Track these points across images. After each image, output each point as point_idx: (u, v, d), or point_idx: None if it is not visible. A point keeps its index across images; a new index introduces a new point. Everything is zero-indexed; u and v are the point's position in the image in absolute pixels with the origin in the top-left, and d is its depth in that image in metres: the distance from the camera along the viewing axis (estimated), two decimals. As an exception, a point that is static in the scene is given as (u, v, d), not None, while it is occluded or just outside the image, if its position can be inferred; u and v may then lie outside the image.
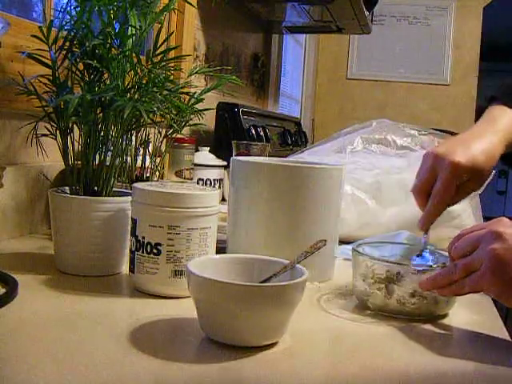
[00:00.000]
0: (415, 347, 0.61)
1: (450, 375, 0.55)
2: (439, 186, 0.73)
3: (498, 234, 0.60)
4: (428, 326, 0.67)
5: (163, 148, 0.99)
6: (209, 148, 1.45)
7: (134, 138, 0.92)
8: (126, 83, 0.80)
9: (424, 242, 0.77)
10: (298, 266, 0.63)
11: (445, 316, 0.71)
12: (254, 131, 1.72)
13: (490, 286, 0.60)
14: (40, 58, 0.78)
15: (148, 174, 0.98)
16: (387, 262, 0.71)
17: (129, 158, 0.93)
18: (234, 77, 0.94)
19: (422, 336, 0.64)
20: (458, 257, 0.64)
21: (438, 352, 0.60)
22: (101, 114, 0.78)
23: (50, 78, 0.77)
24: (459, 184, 0.74)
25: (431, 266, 0.71)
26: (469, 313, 0.73)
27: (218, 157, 1.45)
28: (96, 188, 0.79)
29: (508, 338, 0.65)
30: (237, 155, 1.28)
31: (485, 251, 0.60)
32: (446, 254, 0.77)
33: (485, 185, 0.80)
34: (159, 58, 0.83)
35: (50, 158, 0.94)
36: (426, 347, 0.61)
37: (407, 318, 0.68)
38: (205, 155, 1.42)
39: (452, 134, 1.74)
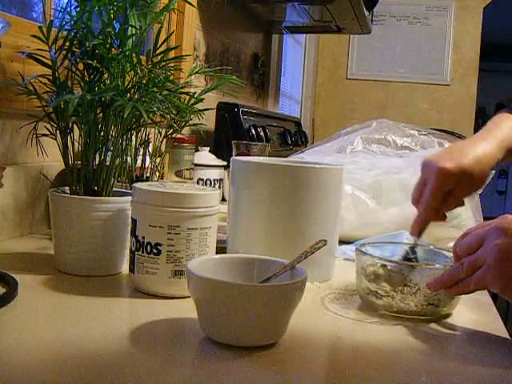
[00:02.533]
0: (417, 347, 0.61)
1: (451, 375, 0.55)
2: (426, 193, 0.74)
3: (503, 230, 0.60)
4: (432, 326, 0.67)
5: (163, 148, 0.99)
6: (209, 148, 1.45)
7: (133, 137, 0.92)
8: (126, 83, 0.80)
9: (419, 244, 0.78)
10: (297, 266, 0.63)
11: (448, 316, 0.71)
12: (253, 131, 1.72)
13: (494, 280, 0.60)
14: (40, 57, 0.78)
15: (148, 174, 0.98)
16: (391, 261, 0.71)
17: (129, 158, 0.93)
18: (233, 77, 0.94)
19: (424, 336, 0.64)
20: (464, 254, 0.65)
21: (440, 352, 0.60)
22: (101, 114, 0.78)
23: (50, 77, 0.77)
24: (450, 190, 0.74)
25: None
26: (469, 313, 0.73)
27: (218, 157, 1.45)
28: (96, 188, 0.79)
29: (508, 337, 0.65)
30: (237, 155, 1.28)
31: (489, 247, 0.61)
32: (445, 252, 0.77)
33: (482, 187, 0.80)
34: (159, 58, 0.83)
35: (50, 158, 0.94)
36: (428, 347, 0.61)
37: (411, 317, 0.68)
38: (205, 155, 1.42)
39: (452, 133, 1.75)
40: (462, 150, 0.76)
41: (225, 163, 1.43)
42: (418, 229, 0.76)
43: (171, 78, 0.85)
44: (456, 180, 0.74)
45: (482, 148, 0.77)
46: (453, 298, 0.70)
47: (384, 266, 0.70)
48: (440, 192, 0.73)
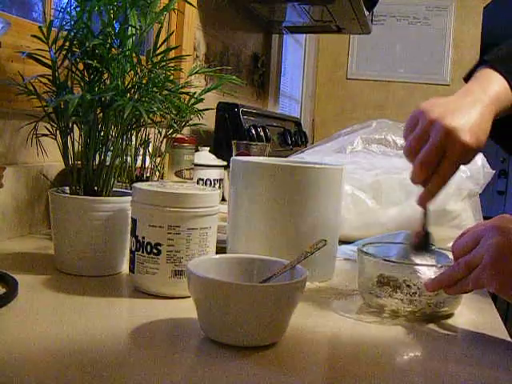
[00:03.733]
0: (418, 347, 0.61)
1: (451, 375, 0.55)
2: (448, 165, 0.69)
3: (498, 229, 0.60)
4: (432, 326, 0.67)
5: (163, 148, 0.99)
6: (209, 148, 1.45)
7: (133, 137, 0.92)
8: (126, 83, 0.80)
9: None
10: (298, 266, 0.63)
11: (449, 316, 0.71)
12: (254, 131, 1.72)
13: (491, 279, 0.60)
14: (40, 57, 0.78)
15: (148, 174, 0.98)
16: (393, 261, 0.71)
17: (129, 158, 0.93)
18: (233, 77, 0.94)
19: (425, 336, 0.64)
20: (461, 253, 0.64)
21: (440, 352, 0.60)
22: (101, 114, 0.78)
23: (50, 78, 0.77)
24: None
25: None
26: (469, 313, 0.73)
27: (218, 157, 1.45)
28: (96, 188, 0.79)
29: (508, 338, 0.65)
30: (237, 155, 1.28)
31: (485, 246, 0.61)
32: (445, 252, 0.77)
33: (483, 186, 0.78)
34: (159, 58, 0.83)
35: (50, 158, 0.94)
36: (428, 347, 0.61)
37: (412, 317, 0.68)
38: (205, 155, 1.42)
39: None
40: (472, 119, 0.70)
41: (225, 163, 1.43)
42: (429, 200, 0.72)
43: (171, 78, 0.85)
44: (473, 155, 0.70)
45: (484, 116, 0.72)
46: (455, 298, 0.70)
47: (385, 266, 0.70)
48: (459, 166, 0.70)
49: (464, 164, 0.72)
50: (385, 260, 0.71)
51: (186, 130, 1.40)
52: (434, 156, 0.69)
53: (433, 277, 0.67)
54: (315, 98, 3.92)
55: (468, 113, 0.71)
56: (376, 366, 0.55)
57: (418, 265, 0.72)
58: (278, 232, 0.81)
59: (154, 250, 0.69)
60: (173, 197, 0.69)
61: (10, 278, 0.68)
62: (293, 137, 2.21)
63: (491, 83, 0.77)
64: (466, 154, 0.69)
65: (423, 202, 0.72)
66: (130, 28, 0.78)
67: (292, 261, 0.64)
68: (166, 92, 0.83)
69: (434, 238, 0.76)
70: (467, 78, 0.82)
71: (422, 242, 0.74)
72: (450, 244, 0.96)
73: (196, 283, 0.57)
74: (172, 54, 1.21)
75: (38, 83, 0.78)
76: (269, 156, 1.28)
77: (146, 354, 0.53)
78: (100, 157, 0.79)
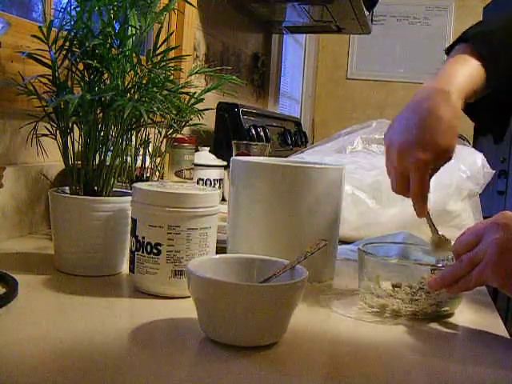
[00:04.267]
0: (418, 347, 0.61)
1: (451, 375, 0.55)
2: (414, 185, 0.72)
3: (501, 225, 0.61)
4: (432, 326, 0.67)
5: (163, 148, 0.99)
6: (209, 148, 1.45)
7: (133, 138, 0.92)
8: (126, 83, 0.80)
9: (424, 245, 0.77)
10: (297, 266, 0.63)
11: (450, 315, 0.71)
12: (254, 131, 1.72)
13: (493, 275, 0.60)
14: (40, 57, 0.78)
15: (148, 174, 0.98)
16: (393, 261, 0.71)
17: (129, 158, 0.93)
18: (234, 77, 0.94)
19: (425, 336, 0.64)
20: (463, 251, 0.65)
21: (440, 352, 0.60)
22: (101, 114, 0.78)
23: (50, 77, 0.77)
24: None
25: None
26: (469, 313, 0.73)
27: (218, 157, 1.45)
28: (96, 188, 0.79)
29: (508, 337, 0.65)
30: (237, 155, 1.28)
31: (487, 242, 0.61)
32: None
33: (483, 186, 0.79)
34: (159, 58, 0.83)
35: (50, 158, 0.94)
36: (428, 347, 0.61)
37: (413, 317, 0.68)
38: (205, 155, 1.42)
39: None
40: (429, 126, 0.72)
41: (225, 163, 1.43)
42: (424, 210, 0.74)
43: (171, 78, 0.85)
44: (436, 161, 0.72)
45: (448, 114, 0.73)
46: (455, 298, 0.70)
47: (386, 265, 0.70)
48: (426, 178, 0.72)
49: (445, 162, 0.74)
50: (385, 260, 0.71)
51: (186, 130, 1.40)
52: (399, 179, 0.74)
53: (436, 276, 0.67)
54: (315, 97, 3.92)
55: (429, 123, 0.73)
56: (376, 366, 0.55)
57: (418, 265, 0.72)
58: (278, 232, 0.81)
59: (154, 250, 0.69)
60: (173, 197, 0.69)
61: (10, 278, 0.68)
62: (293, 137, 2.21)
63: (456, 75, 0.79)
64: (426, 168, 0.71)
65: (420, 213, 0.75)
66: (130, 28, 0.78)
67: (292, 261, 0.64)
68: (165, 92, 0.83)
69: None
70: (447, 52, 0.84)
71: (443, 245, 0.75)
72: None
73: (196, 283, 0.57)
74: (172, 53, 1.21)
75: (38, 83, 0.78)
76: (269, 156, 1.28)
77: (146, 354, 0.53)
78: (100, 157, 0.79)
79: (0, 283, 0.68)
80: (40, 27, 0.76)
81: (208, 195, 0.71)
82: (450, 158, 0.74)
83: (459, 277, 0.64)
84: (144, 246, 0.69)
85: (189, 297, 0.60)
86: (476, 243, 0.63)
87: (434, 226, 0.75)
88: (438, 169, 0.76)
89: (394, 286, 0.69)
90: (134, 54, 0.79)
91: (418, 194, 0.72)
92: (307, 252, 0.68)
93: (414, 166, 0.71)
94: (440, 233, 0.75)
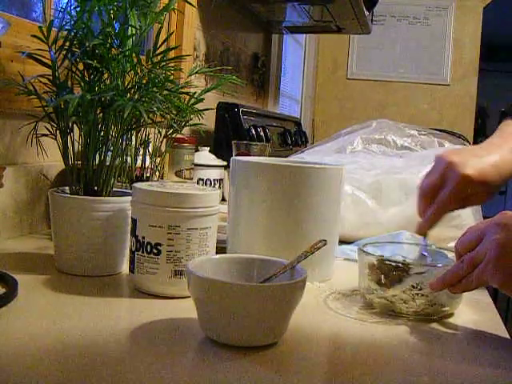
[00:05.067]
0: (418, 347, 0.61)
1: (452, 375, 0.55)
2: (445, 195, 0.73)
3: (502, 225, 0.61)
4: (432, 326, 0.67)
5: (163, 148, 0.99)
6: (209, 148, 1.45)
7: (134, 137, 0.92)
8: (126, 83, 0.80)
9: (424, 244, 0.77)
10: (297, 266, 0.63)
11: (450, 315, 0.71)
12: (254, 131, 1.72)
13: (494, 275, 0.60)
14: (40, 57, 0.78)
15: (148, 174, 0.98)
16: (395, 261, 0.71)
17: (129, 158, 0.93)
18: (234, 77, 0.94)
19: (425, 336, 0.64)
20: (464, 251, 0.65)
21: (440, 352, 0.60)
22: (101, 114, 0.78)
23: (50, 77, 0.77)
24: (465, 196, 0.74)
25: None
26: (469, 313, 0.73)
27: (218, 157, 1.45)
28: (96, 188, 0.79)
29: (508, 337, 0.65)
30: (237, 155, 1.28)
31: (488, 242, 0.61)
32: (446, 252, 0.77)
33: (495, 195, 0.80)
34: (159, 58, 0.83)
35: (50, 158, 0.94)
36: (429, 347, 0.61)
37: (413, 317, 0.68)
38: (205, 155, 1.42)
39: (452, 134, 1.75)
40: (480, 156, 0.75)
41: (225, 163, 1.43)
42: (427, 228, 0.76)
43: (171, 78, 0.85)
44: (476, 188, 0.73)
45: (499, 156, 0.76)
46: (455, 298, 0.70)
47: (386, 265, 0.70)
48: (458, 197, 0.73)
49: (475, 203, 0.76)
50: (385, 260, 0.71)
51: (186, 130, 1.40)
52: (432, 185, 0.74)
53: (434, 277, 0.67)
54: (315, 97, 3.92)
55: (480, 155, 0.76)
56: (377, 366, 0.55)
57: (418, 264, 0.72)
58: (278, 232, 0.81)
59: (154, 250, 0.69)
60: (173, 197, 0.69)
61: (10, 278, 0.68)
62: (293, 137, 2.21)
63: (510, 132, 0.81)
64: (466, 187, 0.73)
65: (421, 231, 0.76)
66: (130, 28, 0.78)
67: (292, 261, 0.64)
68: (166, 92, 0.83)
69: (434, 239, 0.76)
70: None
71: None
72: (450, 244, 0.96)
73: (196, 283, 0.57)
74: (172, 54, 1.21)
75: (38, 83, 0.78)
76: (269, 156, 1.28)
77: (146, 354, 0.53)
78: (100, 157, 0.79)
79: (0, 283, 0.68)
80: (40, 27, 0.76)
81: (208, 195, 0.71)
82: (490, 195, 0.76)
83: (460, 277, 0.64)
84: (144, 246, 0.69)
85: (189, 297, 0.60)
86: (477, 243, 0.63)
87: (425, 246, 0.77)
88: (475, 204, 0.78)
89: (394, 286, 0.69)
90: (133, 54, 0.79)
91: (442, 206, 0.73)
92: (307, 252, 0.68)
93: (455, 178, 0.72)
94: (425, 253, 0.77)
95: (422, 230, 0.76)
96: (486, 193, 0.75)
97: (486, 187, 0.74)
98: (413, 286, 0.68)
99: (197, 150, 1.36)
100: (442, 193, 0.73)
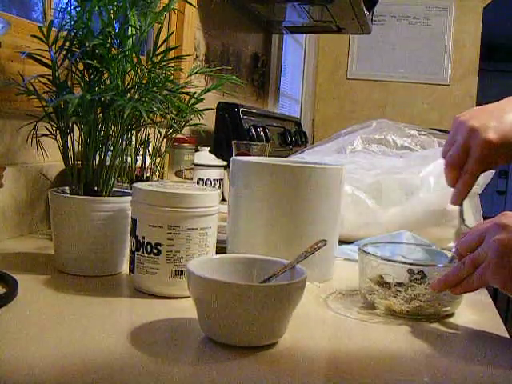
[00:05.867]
0: (419, 347, 0.61)
1: (452, 375, 0.55)
2: (472, 164, 0.72)
3: (502, 226, 0.61)
4: (433, 326, 0.67)
5: (163, 148, 0.99)
6: (209, 148, 1.45)
7: (133, 138, 0.92)
8: (126, 83, 0.80)
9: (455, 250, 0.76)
10: (297, 266, 0.63)
11: (450, 315, 0.71)
12: (254, 131, 1.72)
13: (495, 276, 0.60)
14: (40, 57, 0.78)
15: (148, 174, 0.98)
16: (395, 261, 0.71)
17: (129, 158, 0.93)
18: (233, 77, 0.94)
19: (426, 336, 0.64)
20: (465, 252, 0.65)
21: (441, 352, 0.60)
22: (101, 114, 0.78)
23: (50, 77, 0.77)
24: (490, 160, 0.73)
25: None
26: (469, 313, 0.73)
27: (218, 157, 1.45)
28: (96, 188, 0.79)
29: (508, 337, 0.65)
30: (237, 155, 1.28)
31: (489, 243, 0.61)
32: (446, 252, 0.78)
33: (483, 186, 0.79)
34: (159, 58, 0.83)
35: (50, 158, 0.94)
36: (429, 347, 0.61)
37: (413, 317, 0.68)
38: (205, 155, 1.42)
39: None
40: (499, 116, 0.73)
41: (225, 163, 1.43)
42: (461, 198, 0.74)
43: (171, 78, 0.85)
44: (500, 151, 0.72)
45: None
46: (456, 298, 0.70)
47: (388, 266, 0.70)
48: (485, 164, 0.72)
49: (501, 163, 0.74)
50: (386, 260, 0.71)
51: (186, 130, 1.40)
52: (458, 156, 0.72)
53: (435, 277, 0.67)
54: (315, 98, 3.92)
55: (499, 115, 0.73)
56: (377, 366, 0.55)
57: (419, 265, 0.72)
58: (278, 232, 0.81)
59: (154, 250, 0.69)
60: (173, 197, 0.69)
61: (10, 278, 0.68)
62: (293, 137, 2.21)
63: None
64: (491, 152, 0.71)
65: (455, 201, 0.75)
66: (130, 28, 0.78)
67: (292, 261, 0.64)
68: (165, 92, 0.83)
69: (435, 239, 0.76)
70: None
71: None
72: (451, 244, 0.96)
73: (196, 283, 0.57)
74: (172, 54, 1.21)
75: (38, 83, 0.78)
76: (269, 156, 1.28)
77: (146, 354, 0.53)
78: (100, 157, 0.79)
79: (0, 283, 0.68)
80: (40, 27, 0.76)
81: (208, 195, 0.71)
82: (501, 160, 0.74)
83: (462, 277, 0.64)
84: (144, 246, 0.69)
85: (189, 297, 0.60)
86: (478, 244, 0.63)
87: (462, 216, 0.76)
88: (499, 165, 0.75)
89: (394, 286, 0.69)
90: (134, 54, 0.79)
91: (471, 175, 0.72)
92: (307, 252, 0.68)
93: (479, 145, 0.71)
94: (467, 223, 0.75)
95: (457, 201, 0.75)
96: (508, 154, 0.74)
97: (510, 148, 0.73)
98: (412, 286, 0.68)
99: (197, 150, 1.36)
100: (469, 162, 0.72)
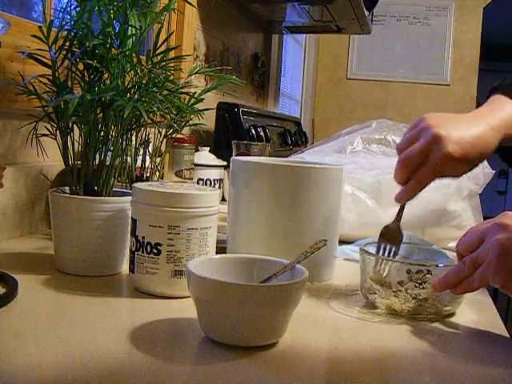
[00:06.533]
0: (419, 346, 0.61)
1: (453, 374, 0.55)
2: (426, 172, 0.71)
3: (503, 226, 0.61)
4: (433, 325, 0.67)
5: (163, 148, 0.99)
6: (209, 148, 1.45)
7: (133, 137, 0.92)
8: (126, 83, 0.80)
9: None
10: (297, 266, 0.63)
11: (451, 315, 0.71)
12: (253, 131, 1.72)
13: (496, 275, 0.60)
14: (40, 57, 0.78)
15: (148, 174, 0.98)
16: (395, 261, 0.71)
17: (129, 158, 0.93)
18: (234, 77, 0.94)
19: (426, 335, 0.64)
20: (465, 252, 0.65)
21: (442, 351, 0.60)
22: (101, 114, 0.78)
23: (50, 78, 0.77)
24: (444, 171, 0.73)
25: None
26: (469, 313, 0.73)
27: (218, 157, 1.45)
28: (96, 188, 0.79)
29: (508, 337, 0.65)
30: (237, 155, 1.28)
31: (489, 243, 0.61)
32: (446, 252, 0.78)
33: (483, 186, 0.79)
34: (159, 57, 0.83)
35: (50, 158, 0.94)
36: (430, 346, 0.61)
37: (414, 317, 0.68)
38: (205, 155, 1.42)
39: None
40: (467, 130, 0.72)
41: (225, 163, 1.43)
42: (408, 198, 0.73)
43: (171, 78, 0.85)
44: (457, 165, 0.71)
45: (483, 132, 0.73)
46: (457, 298, 0.70)
47: (388, 265, 0.70)
48: (439, 173, 0.71)
49: (451, 176, 0.73)
50: (387, 260, 0.71)
51: (186, 130, 1.40)
52: (415, 158, 0.71)
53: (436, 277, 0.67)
54: (315, 97, 3.92)
55: (467, 128, 0.73)
56: (377, 366, 0.55)
57: (419, 265, 0.72)
58: (278, 232, 0.81)
59: (154, 250, 0.69)
60: (173, 197, 0.69)
61: (10, 278, 0.68)
62: (293, 137, 2.21)
63: (503, 107, 0.78)
64: (448, 165, 0.70)
65: (399, 199, 0.74)
66: (130, 28, 0.78)
67: (292, 261, 0.64)
68: (165, 92, 0.83)
69: (403, 235, 0.76)
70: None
71: (393, 236, 0.75)
72: (451, 244, 0.97)
73: (196, 283, 0.57)
74: (172, 54, 1.21)
75: (38, 83, 0.78)
76: (269, 156, 1.28)
77: (146, 354, 0.53)
78: (100, 157, 0.79)
79: (0, 283, 0.68)
80: (40, 27, 0.76)
81: (208, 195, 0.71)
82: (467, 171, 0.74)
83: (463, 278, 0.64)
84: (144, 246, 0.69)
85: (189, 297, 0.60)
86: (478, 244, 0.63)
87: (400, 215, 0.76)
88: (451, 177, 0.75)
89: (395, 285, 0.69)
90: (134, 54, 0.79)
91: (421, 182, 0.71)
92: (307, 252, 0.68)
93: (439, 156, 0.70)
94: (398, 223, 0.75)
95: (401, 201, 0.74)
96: (466, 168, 0.73)
97: (467, 166, 0.72)
98: (412, 286, 0.68)
99: (197, 150, 1.36)
100: (424, 169, 0.71)
